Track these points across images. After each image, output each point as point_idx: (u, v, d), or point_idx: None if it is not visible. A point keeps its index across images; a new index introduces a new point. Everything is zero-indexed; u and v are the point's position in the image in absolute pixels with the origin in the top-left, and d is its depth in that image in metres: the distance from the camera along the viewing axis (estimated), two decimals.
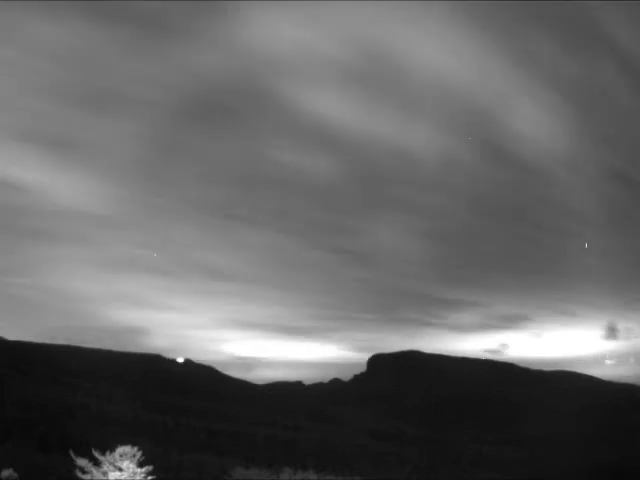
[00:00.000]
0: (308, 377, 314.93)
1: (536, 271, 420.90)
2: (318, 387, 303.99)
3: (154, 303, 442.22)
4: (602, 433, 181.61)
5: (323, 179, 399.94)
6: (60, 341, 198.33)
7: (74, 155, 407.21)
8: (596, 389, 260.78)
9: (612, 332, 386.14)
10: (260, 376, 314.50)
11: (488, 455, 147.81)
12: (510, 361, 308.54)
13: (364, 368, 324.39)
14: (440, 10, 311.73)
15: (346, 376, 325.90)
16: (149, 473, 24.61)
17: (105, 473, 23.79)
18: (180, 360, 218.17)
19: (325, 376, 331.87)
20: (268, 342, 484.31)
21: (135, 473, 24.07)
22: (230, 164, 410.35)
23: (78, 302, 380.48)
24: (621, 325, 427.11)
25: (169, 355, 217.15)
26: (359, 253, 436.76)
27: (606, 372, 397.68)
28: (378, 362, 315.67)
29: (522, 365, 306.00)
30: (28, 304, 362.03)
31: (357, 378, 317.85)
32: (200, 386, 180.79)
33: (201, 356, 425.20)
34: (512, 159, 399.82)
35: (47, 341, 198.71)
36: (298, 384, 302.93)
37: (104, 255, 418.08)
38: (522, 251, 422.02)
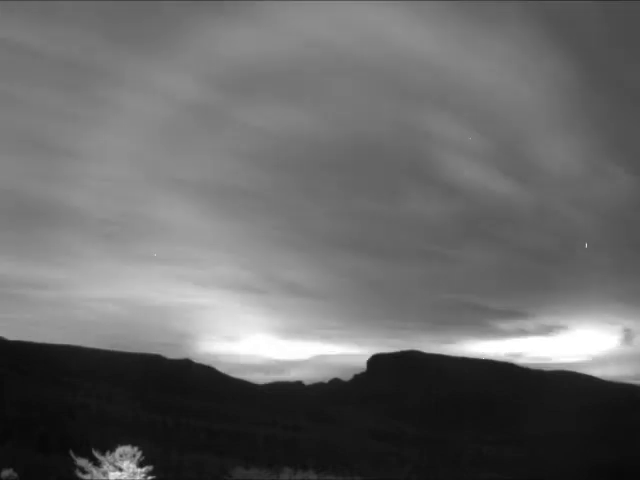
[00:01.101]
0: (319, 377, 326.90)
1: (585, 287, 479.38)
2: (318, 387, 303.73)
3: (219, 313, 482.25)
4: (602, 433, 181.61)
5: (435, 219, 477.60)
6: (104, 346, 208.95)
7: (222, 200, 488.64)
8: (596, 389, 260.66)
9: (629, 336, 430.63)
10: (294, 376, 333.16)
11: (488, 455, 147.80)
12: (529, 363, 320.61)
13: (364, 368, 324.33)
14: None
15: (346, 376, 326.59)
16: (149, 473, 24.59)
17: (105, 473, 23.77)
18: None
19: (325, 376, 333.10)
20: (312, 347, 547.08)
21: (135, 473, 24.05)
22: (358, 205, 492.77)
23: (154, 314, 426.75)
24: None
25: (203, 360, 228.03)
26: (438, 275, 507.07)
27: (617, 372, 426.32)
28: (378, 362, 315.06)
29: (540, 368, 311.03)
30: (104, 315, 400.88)
31: (357, 378, 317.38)
32: (200, 386, 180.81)
33: (242, 360, 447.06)
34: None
35: (48, 342, 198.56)
36: (298, 384, 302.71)
37: (199, 273, 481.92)
38: (576, 271, 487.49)
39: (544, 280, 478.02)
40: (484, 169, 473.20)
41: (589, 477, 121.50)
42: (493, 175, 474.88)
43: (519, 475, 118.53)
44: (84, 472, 23.79)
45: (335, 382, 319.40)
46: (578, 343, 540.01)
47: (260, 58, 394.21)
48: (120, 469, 23.87)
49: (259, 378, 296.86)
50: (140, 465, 24.32)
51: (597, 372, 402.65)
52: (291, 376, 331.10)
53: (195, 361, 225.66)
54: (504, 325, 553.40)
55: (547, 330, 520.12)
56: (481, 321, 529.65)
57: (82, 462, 23.94)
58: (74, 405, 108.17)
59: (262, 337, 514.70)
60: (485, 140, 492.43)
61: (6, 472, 30.09)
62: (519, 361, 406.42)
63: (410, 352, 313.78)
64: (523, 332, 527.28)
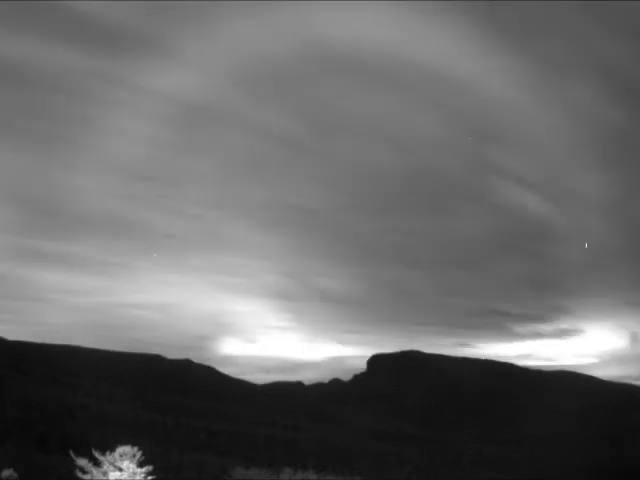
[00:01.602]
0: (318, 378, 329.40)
1: (600, 295, 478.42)
2: (318, 387, 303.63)
3: (242, 315, 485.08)
4: (602, 433, 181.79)
5: (470, 235, 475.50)
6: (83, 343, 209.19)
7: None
8: (596, 389, 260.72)
9: (636, 338, 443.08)
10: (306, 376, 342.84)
11: (488, 455, 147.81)
12: (541, 365, 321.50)
13: (364, 368, 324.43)
14: None
15: (346, 376, 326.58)
16: (149, 473, 24.59)
17: (105, 473, 23.78)
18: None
19: (325, 376, 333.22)
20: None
21: (135, 473, 24.05)
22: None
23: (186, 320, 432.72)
24: None
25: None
26: (461, 283, 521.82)
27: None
28: (378, 362, 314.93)
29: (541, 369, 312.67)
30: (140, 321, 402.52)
31: (357, 378, 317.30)
32: (200, 386, 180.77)
33: (258, 362, 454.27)
34: None
35: (47, 341, 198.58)
36: (298, 384, 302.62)
37: (224, 277, 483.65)
38: (596, 278, 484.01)
39: (562, 286, 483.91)
40: (525, 191, 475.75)
41: (589, 477, 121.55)
42: (534, 198, 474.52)
43: (519, 475, 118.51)
44: (84, 472, 23.80)
45: (335, 382, 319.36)
46: (590, 345, 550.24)
47: (260, 58, 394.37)
48: (120, 469, 23.88)
49: (259, 378, 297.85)
50: (140, 465, 24.33)
51: (608, 373, 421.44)
52: (307, 377, 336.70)
53: (195, 361, 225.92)
54: (520, 329, 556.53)
55: (561, 333, 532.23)
56: (500, 324, 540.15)
57: (82, 462, 23.94)
58: (74, 405, 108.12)
59: (277, 338, 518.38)
60: (525, 162, 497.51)
61: (6, 472, 30.10)
62: (531, 363, 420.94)
63: (410, 352, 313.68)
64: (539, 335, 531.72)
